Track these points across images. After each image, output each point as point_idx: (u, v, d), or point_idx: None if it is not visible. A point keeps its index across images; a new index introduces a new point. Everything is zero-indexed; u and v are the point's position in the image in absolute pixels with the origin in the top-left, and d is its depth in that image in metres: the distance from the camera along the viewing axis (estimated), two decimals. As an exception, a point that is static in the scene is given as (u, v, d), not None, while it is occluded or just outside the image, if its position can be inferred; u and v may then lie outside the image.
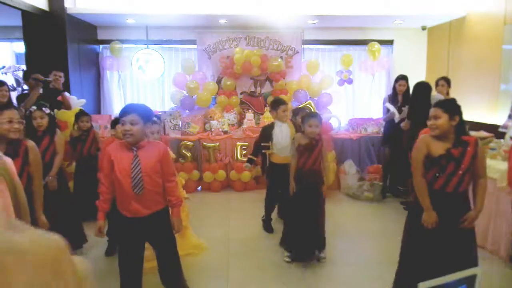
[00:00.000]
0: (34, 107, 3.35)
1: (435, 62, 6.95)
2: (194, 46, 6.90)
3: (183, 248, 3.15)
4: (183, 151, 5.63)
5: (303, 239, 3.29)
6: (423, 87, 4.44)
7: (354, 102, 7.33)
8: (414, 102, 4.45)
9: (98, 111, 6.87)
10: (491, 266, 3.29)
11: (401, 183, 5.11)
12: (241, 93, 6.80)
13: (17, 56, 8.07)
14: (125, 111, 2.28)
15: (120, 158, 2.29)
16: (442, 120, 2.29)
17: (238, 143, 5.71)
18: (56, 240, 0.28)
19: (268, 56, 6.62)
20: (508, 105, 4.79)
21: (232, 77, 6.63)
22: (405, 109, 4.70)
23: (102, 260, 3.40)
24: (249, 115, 6.26)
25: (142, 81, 7.06)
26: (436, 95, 4.45)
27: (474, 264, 2.32)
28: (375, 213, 4.72)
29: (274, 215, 4.25)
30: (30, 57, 5.61)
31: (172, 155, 3.71)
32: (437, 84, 4.93)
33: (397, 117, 4.90)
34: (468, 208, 2.36)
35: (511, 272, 3.18)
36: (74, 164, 4.45)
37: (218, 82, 6.75)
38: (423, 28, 7.05)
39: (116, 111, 6.95)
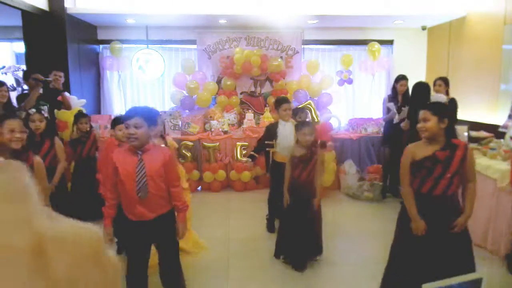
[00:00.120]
0: (33, 110, 3.35)
1: (435, 62, 6.95)
2: (194, 46, 6.90)
3: (183, 243, 3.14)
4: (183, 151, 5.63)
5: (299, 251, 3.27)
6: (422, 87, 4.45)
7: (354, 102, 7.33)
8: (414, 102, 4.45)
9: (98, 111, 6.87)
10: (491, 266, 3.29)
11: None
12: (241, 93, 6.80)
13: (17, 56, 8.07)
14: (129, 114, 2.25)
15: (124, 162, 2.27)
16: (431, 122, 2.29)
17: (238, 143, 5.71)
18: (96, 232, 0.29)
19: (268, 56, 6.62)
20: (508, 105, 4.79)
21: (232, 77, 6.63)
22: (405, 109, 4.70)
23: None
24: (249, 115, 6.26)
25: (142, 81, 7.06)
26: (438, 96, 4.45)
27: (470, 268, 2.28)
28: (375, 213, 4.72)
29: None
30: (30, 57, 5.61)
31: (174, 144, 3.70)
32: (434, 84, 4.92)
33: (396, 118, 4.90)
34: (459, 212, 2.35)
35: (506, 273, 3.17)
36: (73, 163, 4.45)
37: (218, 82, 6.75)
38: (423, 28, 7.05)
39: (116, 111, 6.96)
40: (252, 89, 6.83)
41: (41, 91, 4.43)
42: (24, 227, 0.24)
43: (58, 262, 0.24)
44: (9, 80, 7.11)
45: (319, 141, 4.63)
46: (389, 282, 2.57)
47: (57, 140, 3.47)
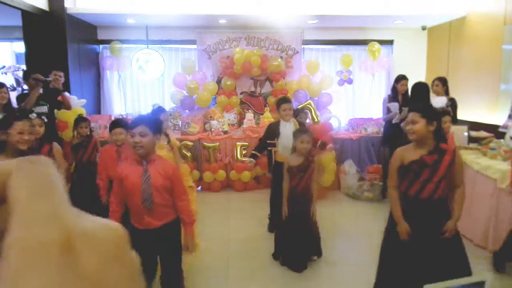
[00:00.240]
0: (34, 115, 3.34)
1: (435, 62, 6.95)
2: (194, 46, 6.90)
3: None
4: (183, 151, 5.63)
5: (297, 252, 3.27)
6: (421, 87, 4.47)
7: (354, 102, 7.33)
8: (413, 103, 4.45)
9: (98, 111, 6.88)
10: (491, 266, 3.28)
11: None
12: (241, 93, 6.80)
13: (17, 56, 8.07)
14: (134, 123, 2.26)
15: (130, 172, 2.27)
16: (420, 125, 2.27)
17: (238, 143, 5.71)
18: (119, 228, 0.29)
19: (268, 56, 6.62)
20: (508, 105, 4.79)
21: (232, 77, 6.63)
22: (405, 109, 4.70)
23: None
24: (249, 115, 6.26)
25: (142, 81, 7.06)
26: (439, 99, 4.44)
27: (465, 273, 2.26)
28: (375, 213, 4.72)
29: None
30: (30, 57, 5.61)
31: (176, 142, 3.69)
32: (432, 84, 4.92)
33: (396, 118, 4.90)
34: (448, 216, 2.34)
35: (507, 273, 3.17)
36: (73, 164, 4.44)
37: (218, 82, 6.75)
38: (423, 28, 7.05)
39: (116, 111, 6.96)
40: (252, 89, 6.83)
41: (41, 91, 4.43)
42: (52, 222, 0.25)
43: (87, 259, 0.24)
44: (9, 80, 7.11)
45: (319, 142, 4.64)
46: (380, 284, 2.57)
47: (55, 145, 3.47)
